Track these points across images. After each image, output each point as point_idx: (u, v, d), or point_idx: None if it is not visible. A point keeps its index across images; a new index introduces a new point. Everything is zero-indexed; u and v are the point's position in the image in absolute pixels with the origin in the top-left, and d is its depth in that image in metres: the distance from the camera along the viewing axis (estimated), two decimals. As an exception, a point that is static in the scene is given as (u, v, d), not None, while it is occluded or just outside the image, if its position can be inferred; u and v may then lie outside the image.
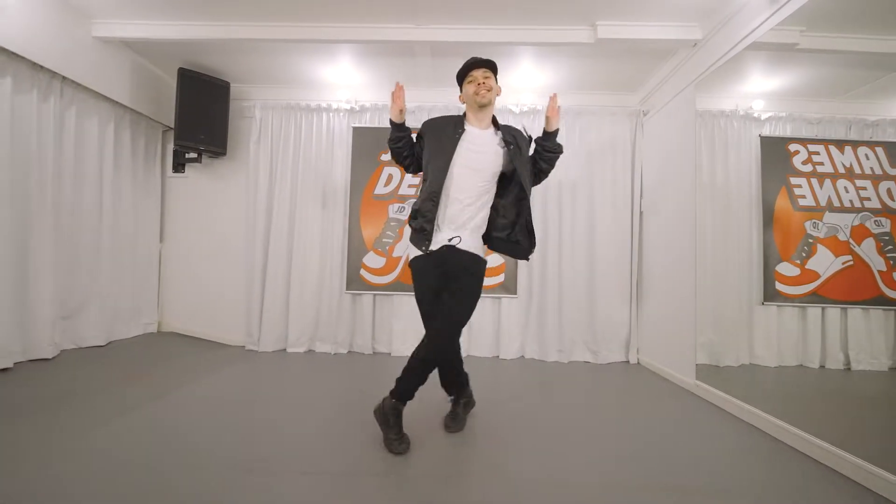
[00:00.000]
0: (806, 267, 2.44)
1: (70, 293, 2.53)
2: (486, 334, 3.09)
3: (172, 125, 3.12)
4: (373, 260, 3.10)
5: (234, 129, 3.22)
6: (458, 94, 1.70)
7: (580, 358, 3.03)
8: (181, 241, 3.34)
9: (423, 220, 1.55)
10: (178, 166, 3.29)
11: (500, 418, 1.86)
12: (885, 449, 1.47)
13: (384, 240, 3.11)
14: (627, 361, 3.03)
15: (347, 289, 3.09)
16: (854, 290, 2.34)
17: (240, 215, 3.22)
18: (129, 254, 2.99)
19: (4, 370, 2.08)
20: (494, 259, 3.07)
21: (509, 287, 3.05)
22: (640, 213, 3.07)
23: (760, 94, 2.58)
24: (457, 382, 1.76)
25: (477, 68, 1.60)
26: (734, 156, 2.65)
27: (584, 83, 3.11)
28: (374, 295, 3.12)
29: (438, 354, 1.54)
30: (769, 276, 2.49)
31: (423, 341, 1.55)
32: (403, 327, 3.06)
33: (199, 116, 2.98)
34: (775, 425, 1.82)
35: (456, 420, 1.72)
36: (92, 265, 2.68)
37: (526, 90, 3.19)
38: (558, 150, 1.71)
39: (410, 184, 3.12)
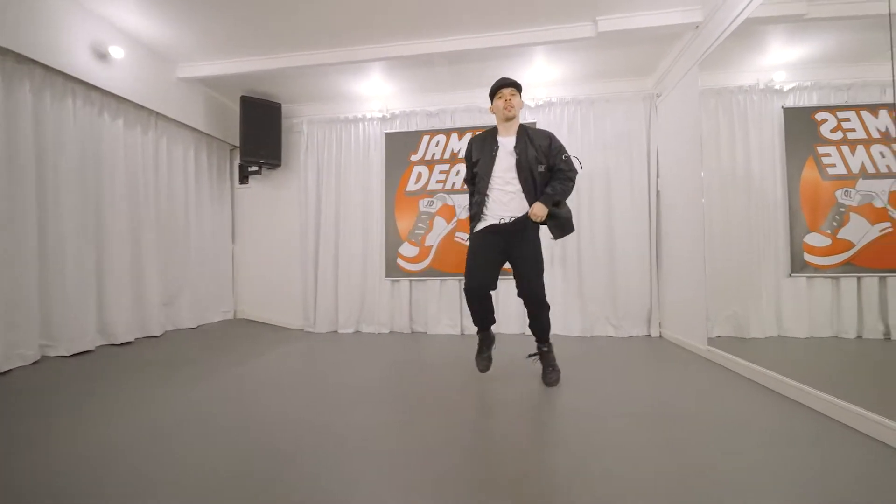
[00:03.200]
0: (837, 237, 2.45)
1: (169, 285, 3.16)
2: (512, 313, 3.36)
3: (237, 144, 3.73)
4: (407, 249, 3.48)
5: (287, 144, 3.75)
6: (489, 105, 2.07)
7: (602, 333, 3.20)
8: (248, 242, 3.94)
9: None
10: (244, 178, 3.89)
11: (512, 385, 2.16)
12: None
13: (416, 231, 3.48)
14: (649, 335, 3.15)
15: (386, 276, 3.50)
16: (894, 257, 2.33)
17: (294, 217, 3.75)
18: (211, 253, 3.61)
19: (128, 343, 2.70)
20: (517, 244, 3.33)
21: (532, 269, 3.29)
22: (658, 192, 3.18)
23: (783, 66, 2.61)
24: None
25: (506, 87, 1.97)
26: (755, 130, 2.69)
27: (597, 72, 3.28)
28: (410, 281, 3.50)
29: None
30: (797, 248, 2.53)
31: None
32: (437, 309, 3.42)
33: (259, 135, 3.54)
34: (768, 376, 1.94)
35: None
36: (183, 263, 3.31)
37: (540, 85, 3.41)
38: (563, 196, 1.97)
39: (438, 180, 3.46)
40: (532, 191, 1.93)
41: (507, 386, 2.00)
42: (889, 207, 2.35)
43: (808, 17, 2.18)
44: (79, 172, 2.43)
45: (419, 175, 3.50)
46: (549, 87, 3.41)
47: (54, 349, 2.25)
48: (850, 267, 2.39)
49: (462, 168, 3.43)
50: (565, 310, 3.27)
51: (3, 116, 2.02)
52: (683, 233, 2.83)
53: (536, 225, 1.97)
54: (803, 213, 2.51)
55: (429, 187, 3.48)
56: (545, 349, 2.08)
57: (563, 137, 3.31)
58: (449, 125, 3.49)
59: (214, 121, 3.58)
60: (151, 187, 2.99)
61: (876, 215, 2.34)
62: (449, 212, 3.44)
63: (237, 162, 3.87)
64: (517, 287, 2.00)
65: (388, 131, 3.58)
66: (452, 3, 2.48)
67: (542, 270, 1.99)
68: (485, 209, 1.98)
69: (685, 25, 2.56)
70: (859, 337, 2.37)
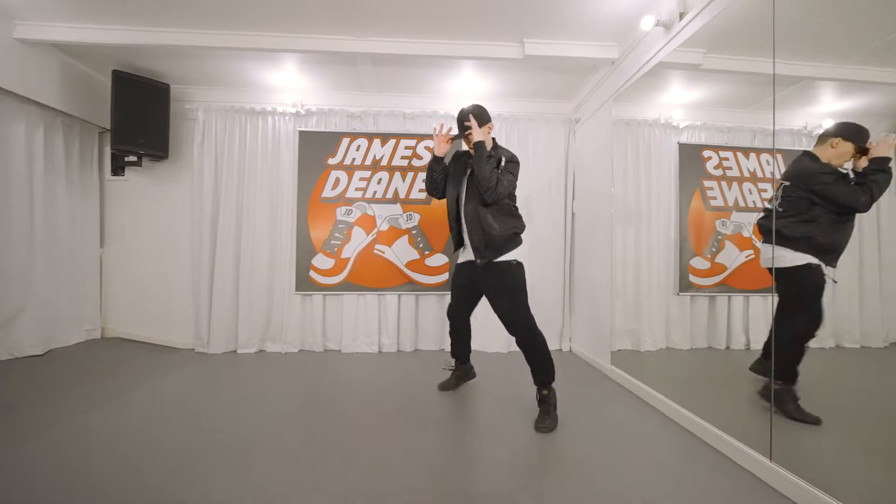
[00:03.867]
0: (715, 261, 2.76)
1: (2, 302, 2.48)
2: (432, 329, 3.28)
3: (109, 127, 3.07)
4: (322, 261, 3.19)
5: (176, 132, 3.19)
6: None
7: (506, 349, 3.28)
8: (124, 245, 3.29)
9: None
10: (118, 169, 3.23)
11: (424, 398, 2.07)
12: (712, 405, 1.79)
13: (332, 241, 3.20)
14: (561, 349, 3.31)
15: (297, 290, 3.18)
16: (755, 280, 2.69)
17: (185, 218, 3.22)
18: (68, 259, 2.93)
19: (-69, 384, 2.05)
20: (440, 258, 3.25)
21: (453, 285, 3.24)
22: (573, 214, 3.33)
23: (680, 105, 2.86)
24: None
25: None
26: (656, 161, 2.93)
27: (522, 92, 3.31)
28: (324, 295, 3.22)
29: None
30: (684, 270, 2.81)
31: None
32: (354, 326, 3.20)
33: (138, 119, 2.94)
34: (658, 399, 2.12)
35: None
36: (25, 272, 2.63)
37: (467, 96, 3.34)
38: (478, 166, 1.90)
39: (357, 187, 3.22)
40: (476, 196, 1.91)
41: (420, 419, 1.90)
42: (753, 237, 2.72)
43: (702, 68, 2.38)
44: None
45: (337, 181, 3.22)
46: (476, 100, 3.35)
47: None
48: (723, 287, 2.72)
49: (385, 176, 3.24)
50: (487, 325, 3.28)
51: None
52: (593, 253, 3.00)
53: (507, 258, 1.96)
54: (690, 239, 2.80)
55: (347, 195, 3.22)
56: (545, 392, 1.93)
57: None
58: (372, 129, 3.26)
59: (75, 97, 2.89)
60: (-28, 178, 2.30)
61: (743, 243, 2.70)
62: (369, 222, 3.22)
63: (108, 149, 3.19)
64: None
65: (302, 129, 3.23)
66: (380, 3, 2.27)
67: (519, 300, 1.95)
68: (465, 239, 2.03)
69: (603, 60, 2.67)
70: (728, 348, 2.73)
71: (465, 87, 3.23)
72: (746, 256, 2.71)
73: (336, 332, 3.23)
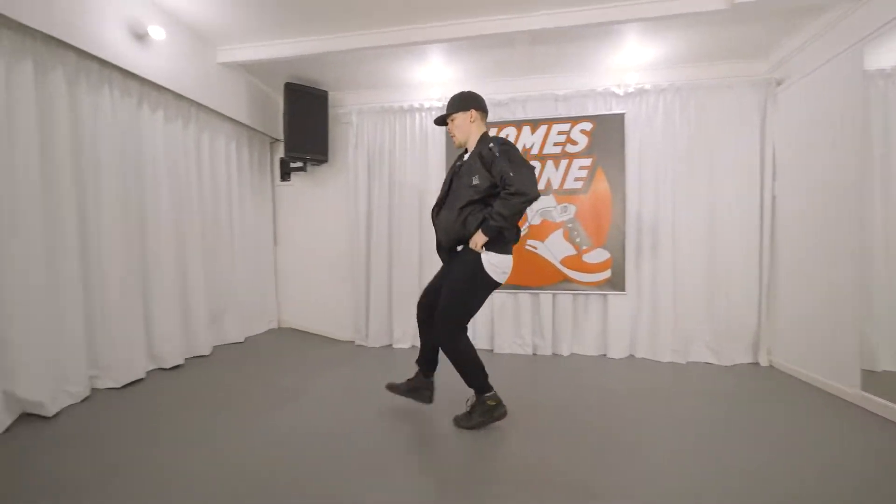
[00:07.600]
0: None
1: (216, 296, 2.87)
2: (591, 332, 2.98)
3: (278, 136, 3.38)
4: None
5: (334, 136, 3.37)
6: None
7: (699, 358, 2.81)
8: (291, 245, 3.62)
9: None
10: (285, 175, 3.54)
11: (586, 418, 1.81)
12: None
13: (482, 237, 3.09)
14: (757, 363, 2.74)
15: (447, 287, 3.14)
16: None
17: (343, 218, 3.40)
18: (253, 258, 3.31)
19: (178, 367, 2.43)
20: (599, 254, 2.93)
21: (617, 283, 2.89)
22: (773, 196, 2.71)
23: None
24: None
25: (442, 124, 1.93)
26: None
27: (696, 54, 2.78)
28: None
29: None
30: None
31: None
32: (504, 325, 3.06)
33: (305, 127, 3.16)
34: None
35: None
36: (229, 270, 3.02)
37: (629, 69, 2.93)
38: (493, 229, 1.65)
39: (507, 179, 3.05)
40: (452, 203, 1.75)
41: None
42: None
43: None
44: (120, 177, 2.09)
45: (485, 173, 3.08)
46: (640, 72, 2.93)
47: (102, 381, 1.99)
48: None
49: (536, 166, 3.01)
50: (653, 330, 2.87)
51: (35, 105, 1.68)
52: (814, 243, 2.37)
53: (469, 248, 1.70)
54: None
55: (496, 187, 3.06)
56: (475, 401, 1.76)
57: (658, 131, 2.85)
58: (520, 116, 3.05)
59: (256, 111, 3.21)
60: (195, 190, 2.66)
61: None
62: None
63: (278, 156, 3.52)
64: None
65: (448, 123, 3.15)
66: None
67: (457, 297, 1.70)
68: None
69: (847, -7, 2.05)
70: None
71: (624, 58, 2.82)
72: None
73: (486, 330, 3.14)
